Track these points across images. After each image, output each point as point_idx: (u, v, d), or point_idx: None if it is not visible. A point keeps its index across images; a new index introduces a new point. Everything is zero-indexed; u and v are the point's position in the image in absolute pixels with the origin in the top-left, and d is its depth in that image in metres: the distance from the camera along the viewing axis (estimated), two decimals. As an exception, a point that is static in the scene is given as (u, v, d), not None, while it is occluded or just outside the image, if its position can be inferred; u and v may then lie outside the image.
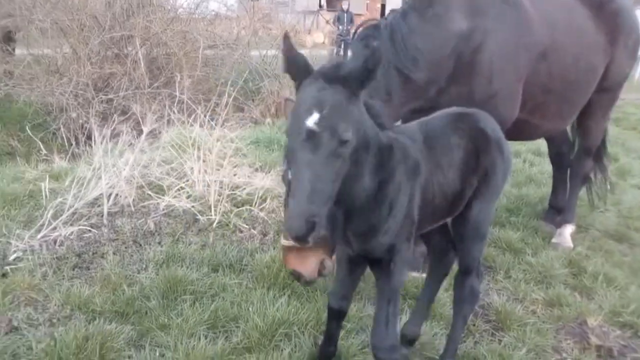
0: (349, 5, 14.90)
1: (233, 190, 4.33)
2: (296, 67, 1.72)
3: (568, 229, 4.29)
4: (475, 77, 3.07)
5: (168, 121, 5.53)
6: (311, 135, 1.59)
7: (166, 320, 2.80)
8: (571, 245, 4.18)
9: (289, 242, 2.73)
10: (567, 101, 3.66)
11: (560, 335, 3.12)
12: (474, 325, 3.10)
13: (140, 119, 5.31)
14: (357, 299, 3.22)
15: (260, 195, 4.29)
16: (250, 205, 4.16)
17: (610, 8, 3.78)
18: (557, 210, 4.53)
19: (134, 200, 4.10)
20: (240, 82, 7.45)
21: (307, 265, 2.69)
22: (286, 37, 1.75)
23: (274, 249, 3.67)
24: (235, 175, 4.60)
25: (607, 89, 3.98)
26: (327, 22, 22.03)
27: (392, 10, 3.08)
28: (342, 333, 2.78)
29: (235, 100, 7.44)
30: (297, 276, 2.71)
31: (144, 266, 3.35)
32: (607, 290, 3.57)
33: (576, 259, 3.95)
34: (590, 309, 3.33)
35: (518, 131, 3.43)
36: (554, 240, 4.24)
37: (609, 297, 3.48)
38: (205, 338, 2.67)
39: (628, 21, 3.90)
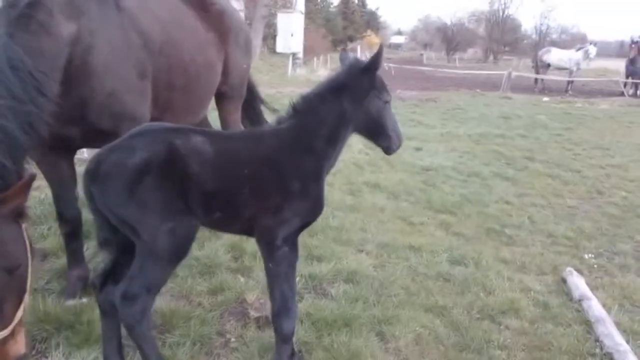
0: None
1: None
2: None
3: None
4: (91, 79, 2.94)
5: None
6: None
7: None
8: None
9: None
10: (193, 95, 3.90)
11: (224, 319, 3.31)
12: (139, 336, 3.00)
13: None
14: None
15: None
16: None
17: (214, 10, 4.21)
18: None
19: None
20: None
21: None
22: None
23: None
24: None
25: (231, 84, 4.47)
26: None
27: None
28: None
29: None
30: None
31: None
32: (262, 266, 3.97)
33: (238, 243, 4.27)
34: (250, 286, 3.66)
35: None
36: None
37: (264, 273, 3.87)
38: None
39: (233, 21, 4.45)
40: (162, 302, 3.31)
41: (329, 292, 3.74)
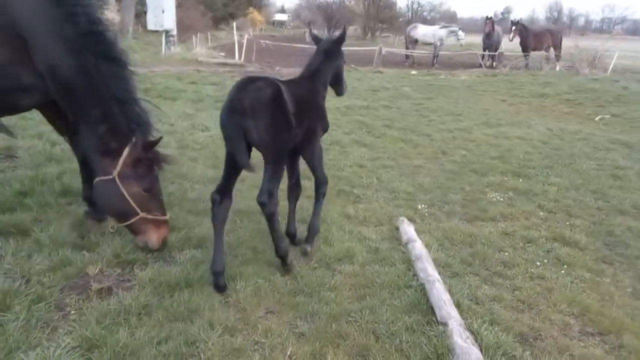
0: None
1: None
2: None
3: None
4: None
5: None
6: None
7: None
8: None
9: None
10: None
11: (64, 293, 3.33)
12: None
13: None
14: None
15: None
16: None
17: None
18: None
19: None
20: None
21: None
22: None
23: None
24: None
25: None
26: None
27: None
28: None
29: None
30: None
31: None
32: (108, 240, 4.01)
33: (83, 221, 4.24)
34: (93, 260, 3.69)
35: None
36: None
37: (112, 245, 3.92)
38: None
39: None
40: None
41: (176, 259, 3.90)
